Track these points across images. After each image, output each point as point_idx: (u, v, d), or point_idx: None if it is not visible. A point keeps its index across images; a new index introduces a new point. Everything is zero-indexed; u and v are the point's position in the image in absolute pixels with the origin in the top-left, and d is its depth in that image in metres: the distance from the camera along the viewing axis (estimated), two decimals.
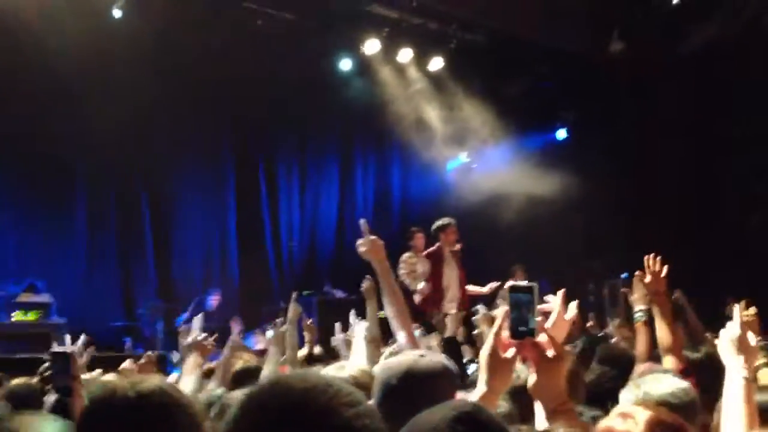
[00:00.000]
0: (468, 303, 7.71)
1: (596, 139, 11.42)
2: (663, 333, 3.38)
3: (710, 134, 10.21)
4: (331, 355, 4.72)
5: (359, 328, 4.08)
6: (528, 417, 1.85)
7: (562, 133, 12.43)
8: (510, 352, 1.73)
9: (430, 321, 6.96)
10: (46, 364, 3.88)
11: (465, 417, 1.36)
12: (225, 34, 9.66)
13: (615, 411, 1.69)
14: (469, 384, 2.84)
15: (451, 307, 7.71)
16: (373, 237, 2.97)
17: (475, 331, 4.85)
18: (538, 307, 1.75)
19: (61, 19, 8.28)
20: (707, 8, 9.52)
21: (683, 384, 2.51)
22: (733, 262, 9.38)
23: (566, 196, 10.23)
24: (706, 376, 2.89)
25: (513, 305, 1.72)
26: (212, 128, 10.78)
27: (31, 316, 8.21)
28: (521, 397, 2.11)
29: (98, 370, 4.05)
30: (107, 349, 7.72)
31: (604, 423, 1.65)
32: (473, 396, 1.72)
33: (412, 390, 1.97)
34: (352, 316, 4.39)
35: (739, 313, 2.43)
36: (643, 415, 1.59)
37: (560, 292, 1.98)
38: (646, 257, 3.47)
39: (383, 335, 3.88)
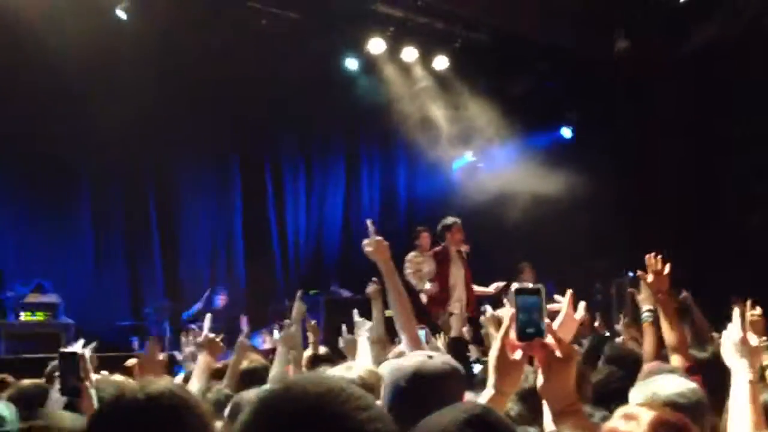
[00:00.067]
0: (475, 303, 7.72)
1: (598, 139, 11.42)
2: (667, 332, 3.38)
3: (710, 134, 10.22)
4: (339, 355, 4.72)
5: (363, 329, 4.09)
6: (537, 419, 1.86)
7: (567, 132, 12.43)
8: (518, 354, 1.73)
9: (436, 321, 6.97)
10: (53, 365, 3.89)
11: (475, 419, 1.36)
12: (229, 34, 9.67)
13: (619, 412, 1.69)
14: (475, 384, 2.85)
15: (456, 307, 7.71)
16: (378, 237, 2.99)
17: (483, 331, 4.85)
18: (547, 306, 1.75)
19: (63, 19, 8.29)
20: (707, 8, 9.51)
21: (691, 384, 2.51)
22: (732, 262, 9.37)
23: (572, 196, 10.23)
24: (713, 375, 2.89)
25: (519, 307, 1.71)
26: (218, 128, 10.79)
27: (39, 317, 8.24)
28: (530, 399, 2.11)
29: (104, 372, 4.06)
30: (114, 349, 7.73)
31: (608, 424, 1.66)
32: (482, 398, 1.72)
33: (420, 392, 1.97)
34: (355, 315, 4.39)
35: (742, 314, 2.43)
36: (647, 415, 1.59)
37: (568, 293, 1.98)
38: (647, 256, 3.46)
39: (390, 335, 3.89)
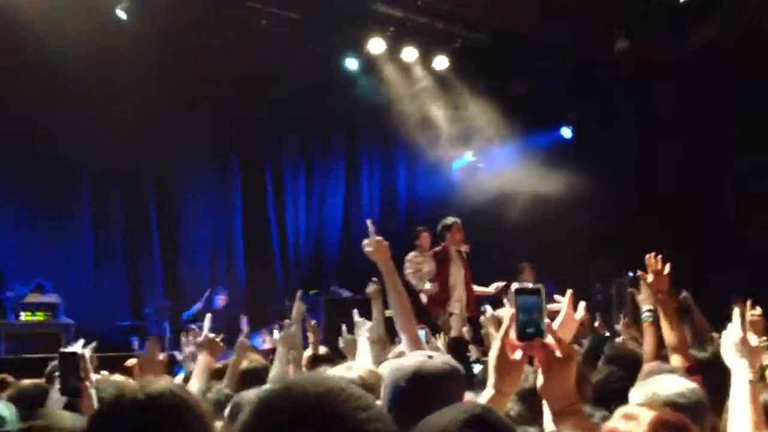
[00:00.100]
0: (475, 303, 7.72)
1: (598, 139, 11.42)
2: (667, 332, 3.38)
3: (710, 134, 10.22)
4: (339, 355, 4.72)
5: (363, 329, 4.09)
6: (537, 419, 1.86)
7: (567, 132, 12.43)
8: (518, 354, 1.73)
9: (436, 321, 6.96)
10: (53, 365, 3.89)
11: (475, 419, 1.36)
12: (229, 34, 9.67)
13: (619, 412, 1.69)
14: (475, 384, 2.85)
15: (456, 307, 7.71)
16: (378, 237, 2.99)
17: (483, 331, 4.85)
18: (547, 306, 1.75)
19: (63, 19, 8.29)
20: (707, 8, 9.51)
21: (691, 384, 2.51)
22: (732, 262, 9.37)
23: (572, 196, 10.23)
24: (713, 375, 2.89)
25: (519, 307, 1.71)
26: (218, 128, 10.79)
27: (39, 317, 8.24)
28: (530, 399, 2.11)
29: (104, 372, 4.06)
30: (114, 349, 7.73)
31: (608, 424, 1.66)
32: (482, 398, 1.72)
33: (420, 392, 1.97)
34: (355, 315, 4.40)
35: (742, 314, 2.43)
36: (647, 415, 1.59)
37: (568, 293, 1.98)
38: (647, 256, 3.46)
39: (390, 335, 3.89)
